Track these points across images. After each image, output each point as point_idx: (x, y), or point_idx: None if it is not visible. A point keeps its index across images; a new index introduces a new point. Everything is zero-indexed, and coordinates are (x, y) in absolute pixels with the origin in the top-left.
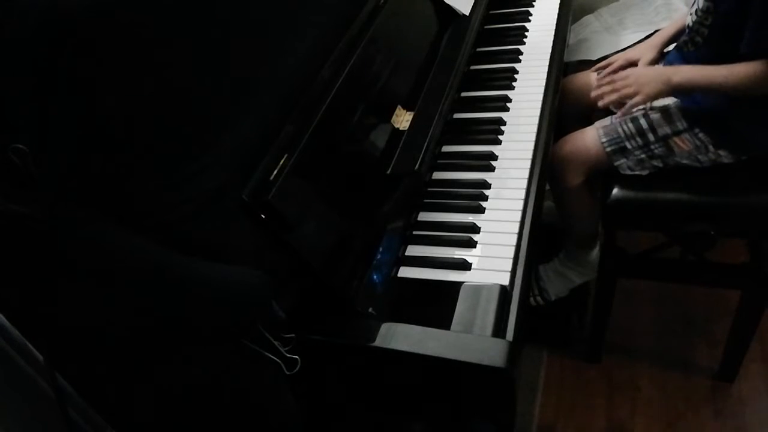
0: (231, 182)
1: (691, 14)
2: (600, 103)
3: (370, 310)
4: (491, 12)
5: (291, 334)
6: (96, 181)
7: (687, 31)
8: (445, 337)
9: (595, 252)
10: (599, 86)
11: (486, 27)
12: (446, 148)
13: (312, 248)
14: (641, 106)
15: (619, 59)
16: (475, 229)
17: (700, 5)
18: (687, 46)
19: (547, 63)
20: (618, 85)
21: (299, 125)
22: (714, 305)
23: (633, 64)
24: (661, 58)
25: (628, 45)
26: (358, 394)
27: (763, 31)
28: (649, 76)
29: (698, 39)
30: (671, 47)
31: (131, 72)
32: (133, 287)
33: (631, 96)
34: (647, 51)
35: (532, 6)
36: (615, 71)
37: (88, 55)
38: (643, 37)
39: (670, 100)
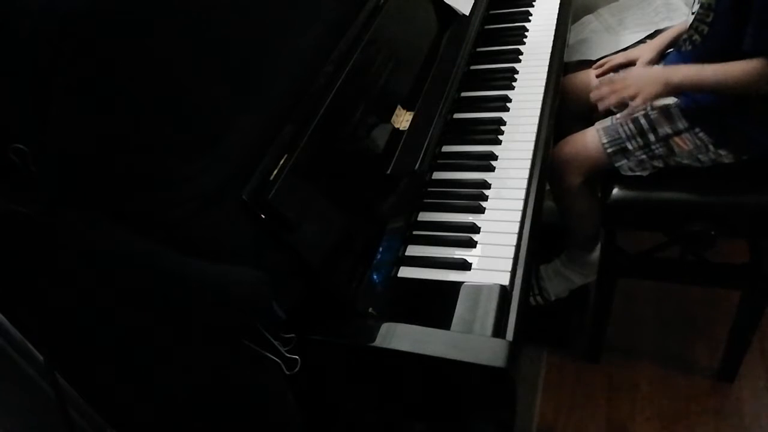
0: (231, 182)
1: (692, 13)
2: (600, 106)
3: (370, 310)
4: (491, 12)
5: (291, 334)
6: (96, 181)
7: (686, 30)
8: (445, 337)
9: (596, 253)
10: (599, 88)
11: (486, 27)
12: (446, 148)
13: (312, 248)
14: (642, 107)
15: (619, 57)
16: (475, 229)
17: (703, 2)
18: (685, 44)
19: (547, 63)
20: (617, 86)
21: (299, 125)
22: (714, 305)
23: (632, 63)
24: (660, 59)
25: (628, 45)
26: (358, 394)
27: (765, 30)
28: (648, 76)
29: (696, 37)
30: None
31: (131, 72)
32: (132, 287)
33: (631, 97)
34: (647, 51)
35: (532, 6)
36: (614, 69)
37: (88, 55)
38: (643, 37)
39: (670, 100)
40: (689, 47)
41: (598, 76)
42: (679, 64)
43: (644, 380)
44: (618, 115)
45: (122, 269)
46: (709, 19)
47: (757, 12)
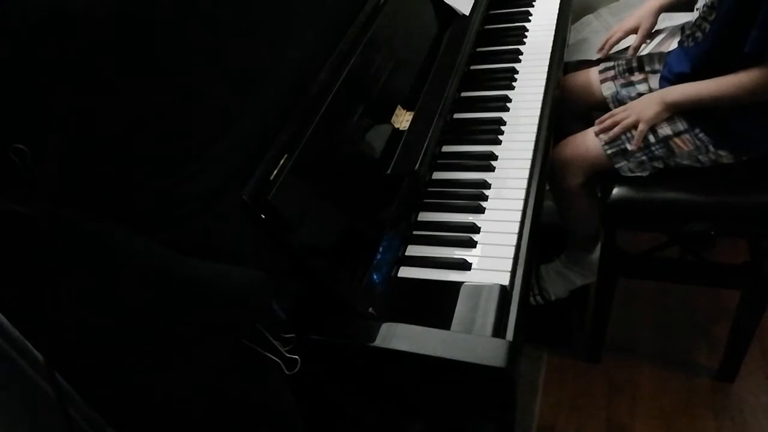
0: (231, 182)
1: (697, 9)
2: (605, 137)
3: (370, 310)
4: (491, 12)
5: (291, 334)
6: (96, 181)
7: (690, 26)
8: (445, 337)
9: (596, 254)
10: (602, 122)
11: (486, 27)
12: (446, 148)
13: (312, 248)
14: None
15: (617, 31)
16: (475, 229)
17: (707, 0)
18: (688, 41)
19: (547, 63)
20: (618, 117)
21: (299, 125)
22: (714, 305)
23: (632, 32)
24: (660, 60)
25: (628, 45)
26: (358, 394)
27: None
28: (644, 102)
29: (699, 35)
30: (672, 47)
31: (131, 72)
32: (132, 287)
33: (633, 125)
34: (645, 18)
35: (532, 6)
36: (615, 43)
37: (89, 55)
38: None
39: (669, 129)
40: (692, 43)
41: (602, 60)
42: (675, 85)
43: (644, 380)
44: (629, 145)
45: (122, 269)
46: (712, 18)
47: (764, 15)
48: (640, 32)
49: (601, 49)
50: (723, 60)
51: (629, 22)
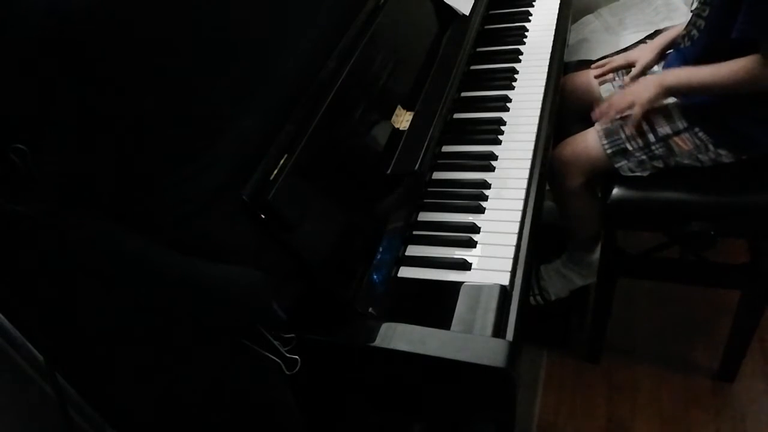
0: (231, 182)
1: (691, 11)
2: (602, 122)
3: (370, 310)
4: (491, 12)
5: (291, 334)
6: (96, 181)
7: (685, 26)
8: (445, 337)
9: (597, 254)
10: (599, 107)
11: (486, 27)
12: (446, 148)
13: (312, 248)
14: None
15: (619, 59)
16: (475, 229)
17: None
18: (684, 41)
19: (547, 63)
20: (614, 100)
21: (299, 125)
22: (714, 305)
23: (632, 65)
24: (660, 60)
25: (628, 45)
26: (358, 394)
27: (753, 17)
28: (641, 84)
29: (695, 32)
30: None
31: (131, 72)
32: (133, 287)
33: (629, 107)
34: (647, 53)
35: (532, 6)
36: (613, 70)
37: (89, 56)
38: (643, 37)
39: (669, 99)
40: (688, 43)
41: (596, 77)
42: (672, 68)
43: (644, 380)
44: (626, 129)
45: (122, 269)
46: (705, 14)
47: (747, 2)
48: (638, 65)
49: (599, 67)
50: (720, 55)
51: (632, 54)
